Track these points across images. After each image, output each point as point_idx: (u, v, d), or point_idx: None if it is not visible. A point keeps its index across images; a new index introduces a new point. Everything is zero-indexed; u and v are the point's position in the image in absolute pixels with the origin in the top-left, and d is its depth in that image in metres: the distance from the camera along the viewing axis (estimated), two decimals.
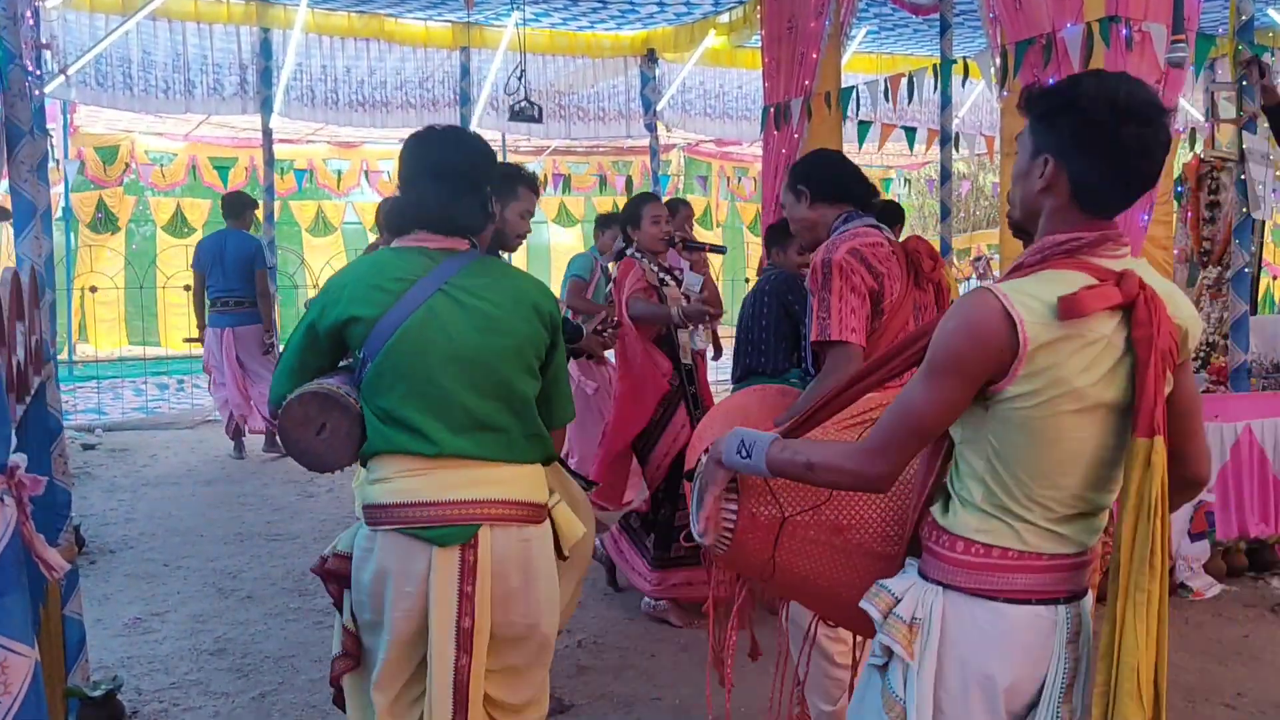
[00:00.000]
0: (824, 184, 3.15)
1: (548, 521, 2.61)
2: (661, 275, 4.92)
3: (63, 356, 12.27)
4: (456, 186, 2.53)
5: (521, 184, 3.51)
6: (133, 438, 9.39)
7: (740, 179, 18.07)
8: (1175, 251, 6.67)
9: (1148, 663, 1.70)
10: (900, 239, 3.23)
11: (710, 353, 6.50)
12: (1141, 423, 1.70)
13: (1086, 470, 1.77)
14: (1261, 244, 7.75)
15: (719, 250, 5.78)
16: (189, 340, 8.61)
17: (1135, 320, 1.71)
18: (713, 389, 5.35)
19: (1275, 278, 13.00)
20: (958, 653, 1.79)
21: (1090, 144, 1.75)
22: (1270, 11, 9.05)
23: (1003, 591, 1.77)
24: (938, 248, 4.96)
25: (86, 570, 5.32)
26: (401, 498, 2.43)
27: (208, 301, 8.34)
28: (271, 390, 2.54)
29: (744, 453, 1.99)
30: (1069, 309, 1.68)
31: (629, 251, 4.99)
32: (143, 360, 12.55)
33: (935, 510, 1.87)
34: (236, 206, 8.54)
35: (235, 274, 8.16)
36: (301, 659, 4.32)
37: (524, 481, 2.53)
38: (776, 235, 4.80)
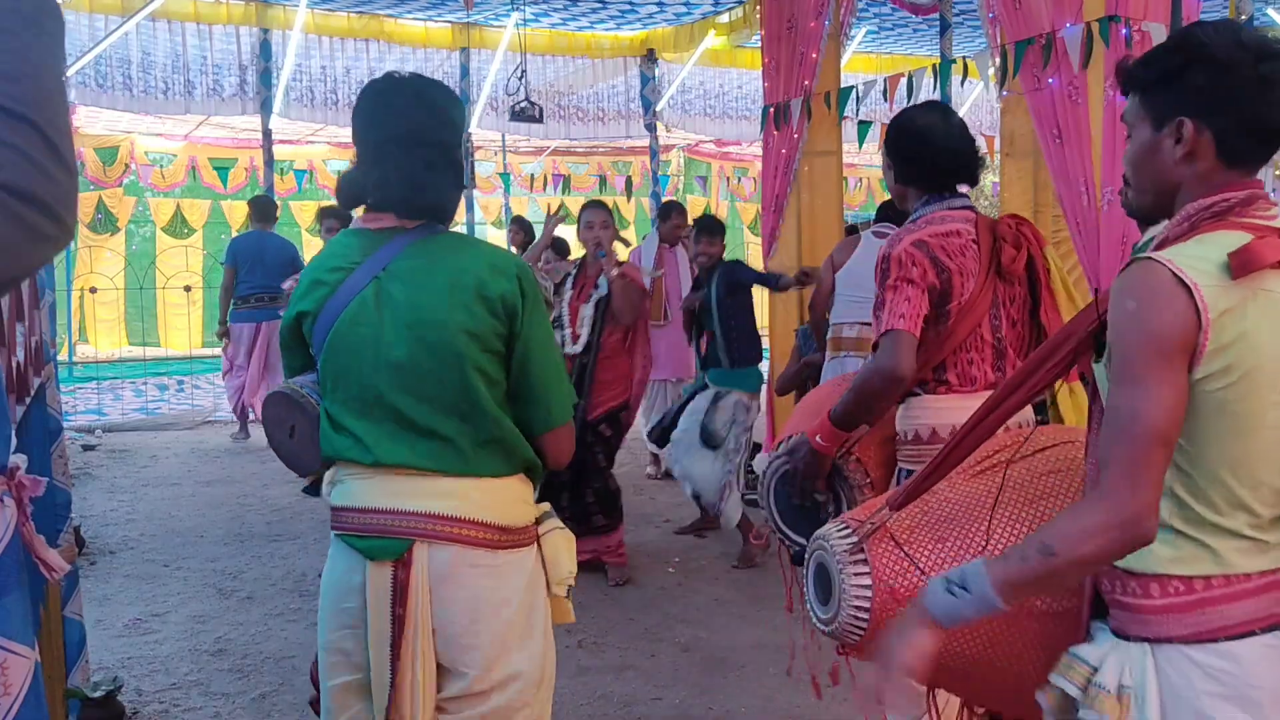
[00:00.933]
0: (905, 163, 2.88)
1: (528, 552, 2.20)
2: (567, 278, 5.38)
3: (63, 357, 12.28)
4: (430, 156, 2.17)
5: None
6: (133, 438, 9.39)
7: (740, 179, 18.07)
8: None
9: None
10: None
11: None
12: None
13: None
14: None
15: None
16: (221, 334, 9.01)
17: None
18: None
19: None
20: (1190, 712, 1.51)
21: (1233, 91, 1.57)
22: (1270, 11, 9.05)
23: (1221, 630, 1.51)
24: None
25: (87, 571, 5.31)
26: (346, 501, 2.18)
27: (236, 298, 8.80)
28: None
29: (955, 590, 1.57)
30: (1243, 263, 1.48)
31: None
32: (143, 361, 12.56)
33: None
34: (269, 210, 9.10)
35: (276, 272, 8.62)
36: (302, 659, 4.32)
37: (477, 496, 2.13)
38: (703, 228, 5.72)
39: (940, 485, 1.90)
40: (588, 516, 5.27)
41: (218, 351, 13.27)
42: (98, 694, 3.55)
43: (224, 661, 4.33)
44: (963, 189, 2.93)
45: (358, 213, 2.29)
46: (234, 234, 15.81)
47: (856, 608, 1.81)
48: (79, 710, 3.50)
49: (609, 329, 5.28)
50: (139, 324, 14.96)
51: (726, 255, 5.91)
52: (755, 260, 9.97)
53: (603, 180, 17.09)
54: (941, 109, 2.98)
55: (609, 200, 17.28)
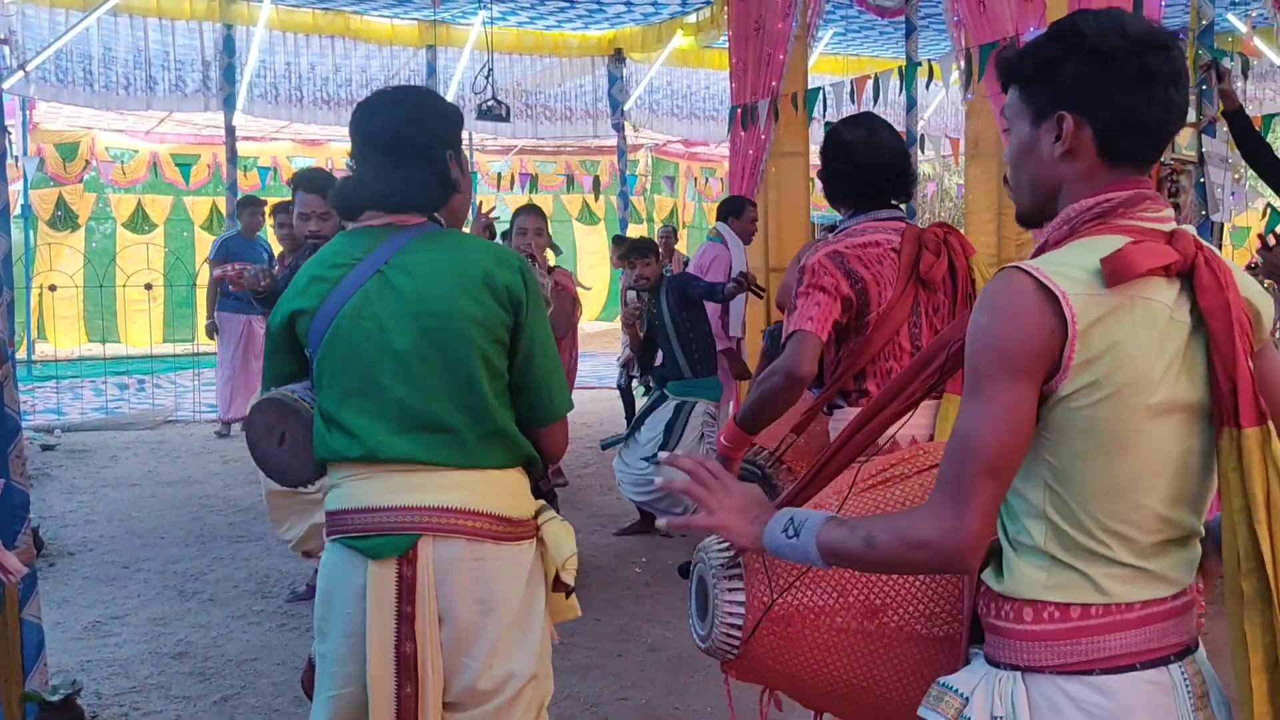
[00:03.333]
0: (829, 179, 2.92)
1: (529, 545, 2.22)
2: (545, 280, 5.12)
3: (21, 356, 12.10)
4: (403, 155, 2.19)
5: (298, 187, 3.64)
6: (92, 438, 9.27)
7: (708, 179, 18.11)
8: None
9: None
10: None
11: None
12: (1244, 409, 1.37)
13: (1173, 481, 1.43)
14: (1221, 246, 7.84)
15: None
16: (210, 331, 9.05)
17: (1199, 286, 1.40)
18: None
19: None
20: None
21: (1114, 83, 1.45)
22: (1230, 16, 9.19)
23: (1097, 661, 1.41)
24: None
25: (45, 573, 5.24)
26: (344, 504, 2.16)
27: (220, 293, 8.75)
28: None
29: (791, 532, 1.55)
30: (1116, 269, 1.36)
31: None
32: (103, 360, 12.40)
33: (988, 577, 1.50)
34: (260, 210, 9.03)
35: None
36: (264, 662, 4.28)
37: (481, 488, 2.15)
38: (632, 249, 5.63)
39: (831, 499, 1.81)
40: None
41: (179, 350, 13.21)
42: (56, 697, 3.50)
43: (185, 664, 4.28)
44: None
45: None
46: (196, 230, 15.73)
47: (729, 625, 1.73)
48: (37, 714, 3.45)
49: None
50: (99, 321, 14.77)
51: (692, 255, 5.95)
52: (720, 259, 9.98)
53: (570, 179, 17.08)
54: (869, 123, 2.93)
55: (577, 199, 17.38)
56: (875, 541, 1.45)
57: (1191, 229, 1.48)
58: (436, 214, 2.26)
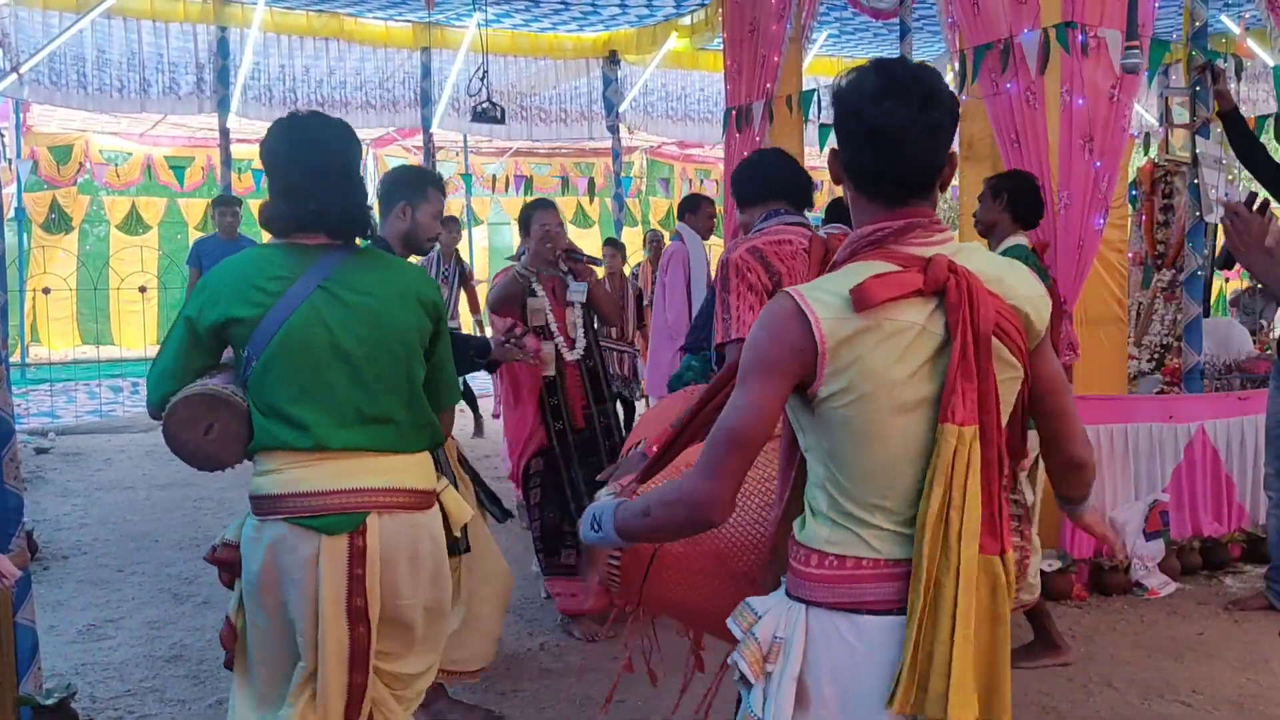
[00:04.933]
0: (744, 185, 3.20)
1: (436, 510, 2.65)
2: (533, 285, 4.68)
3: (15, 358, 12.07)
4: (348, 187, 2.52)
5: (430, 185, 3.52)
6: (87, 441, 9.25)
7: (703, 181, 18.12)
8: (1130, 255, 6.76)
9: (961, 663, 1.60)
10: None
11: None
12: (941, 409, 1.63)
13: (920, 465, 1.67)
14: (1214, 247, 7.87)
15: (595, 262, 5.44)
16: None
17: (947, 304, 1.64)
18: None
19: (1228, 280, 13.21)
20: (826, 669, 1.69)
21: (843, 130, 1.73)
22: (1223, 18, 9.21)
23: (862, 603, 1.68)
24: None
25: (39, 576, 5.23)
26: (289, 488, 2.44)
27: None
28: (151, 392, 2.47)
29: (595, 526, 1.90)
30: (858, 299, 1.61)
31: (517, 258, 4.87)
32: (97, 362, 12.38)
33: (796, 526, 1.78)
34: (236, 209, 8.90)
35: None
36: None
37: (413, 469, 2.56)
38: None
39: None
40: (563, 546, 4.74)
41: None
42: (50, 701, 3.49)
43: (180, 668, 4.27)
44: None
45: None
46: (191, 232, 15.69)
47: (610, 569, 2.18)
48: (31, 718, 3.44)
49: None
50: (93, 324, 14.75)
51: (692, 255, 5.95)
52: (676, 255, 9.96)
53: (565, 181, 17.08)
54: (775, 151, 3.33)
55: (572, 201, 17.38)
56: (650, 509, 1.80)
57: (969, 250, 1.71)
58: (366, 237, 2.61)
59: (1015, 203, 4.24)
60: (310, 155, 2.49)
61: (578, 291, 4.78)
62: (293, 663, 2.53)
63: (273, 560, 2.47)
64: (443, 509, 2.70)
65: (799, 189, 3.19)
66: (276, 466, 2.45)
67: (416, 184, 3.53)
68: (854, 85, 1.70)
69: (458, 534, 2.78)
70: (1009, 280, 1.73)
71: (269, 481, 2.46)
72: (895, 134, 1.66)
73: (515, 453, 4.82)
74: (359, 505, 2.46)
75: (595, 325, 4.96)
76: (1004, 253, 4.07)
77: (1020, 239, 4.23)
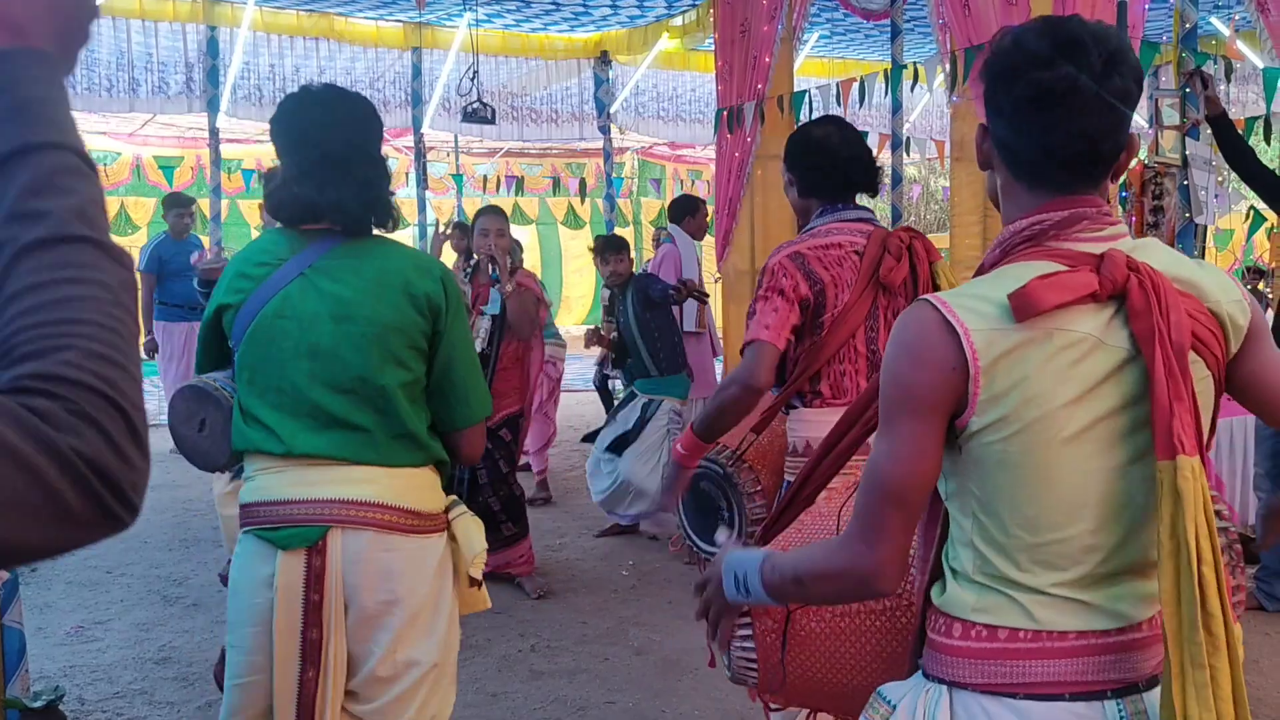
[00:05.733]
0: (813, 176, 2.88)
1: (439, 538, 2.26)
2: (465, 286, 5.05)
3: None
4: (358, 169, 2.20)
5: None
6: None
7: (694, 182, 18.10)
8: None
9: None
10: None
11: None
12: (1158, 441, 1.30)
13: (1105, 512, 1.36)
14: (1204, 249, 7.87)
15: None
16: (151, 350, 8.58)
17: (1131, 310, 1.33)
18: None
19: None
20: None
21: (1001, 99, 1.41)
22: (1213, 19, 9.24)
23: (1021, 686, 1.36)
24: None
25: (26, 578, 5.20)
26: (256, 496, 2.21)
27: (158, 303, 8.47)
28: None
29: (742, 589, 1.58)
30: (1020, 306, 1.31)
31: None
32: None
33: (934, 591, 1.48)
34: (188, 210, 8.75)
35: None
36: None
37: (390, 483, 2.19)
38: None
39: (814, 521, 1.88)
40: (496, 526, 5.11)
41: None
42: (38, 704, 3.47)
43: (169, 670, 4.25)
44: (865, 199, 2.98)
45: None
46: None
47: (744, 660, 1.87)
48: None
49: (505, 341, 5.10)
50: None
51: (684, 258, 5.99)
52: (709, 262, 10.00)
53: (556, 182, 17.06)
54: (836, 121, 2.99)
55: (563, 202, 17.36)
56: (801, 578, 1.49)
57: (1145, 246, 1.43)
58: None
59: None
60: (327, 137, 2.18)
61: (493, 303, 5.03)
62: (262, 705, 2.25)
63: (238, 582, 2.25)
64: (451, 538, 2.30)
65: (867, 171, 2.92)
66: (251, 472, 2.24)
67: None
68: (1018, 42, 1.39)
69: (474, 570, 2.31)
70: (1202, 282, 1.42)
71: (246, 489, 2.25)
72: (1069, 103, 1.35)
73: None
74: (318, 517, 2.15)
75: (503, 338, 5.15)
76: None
77: None
